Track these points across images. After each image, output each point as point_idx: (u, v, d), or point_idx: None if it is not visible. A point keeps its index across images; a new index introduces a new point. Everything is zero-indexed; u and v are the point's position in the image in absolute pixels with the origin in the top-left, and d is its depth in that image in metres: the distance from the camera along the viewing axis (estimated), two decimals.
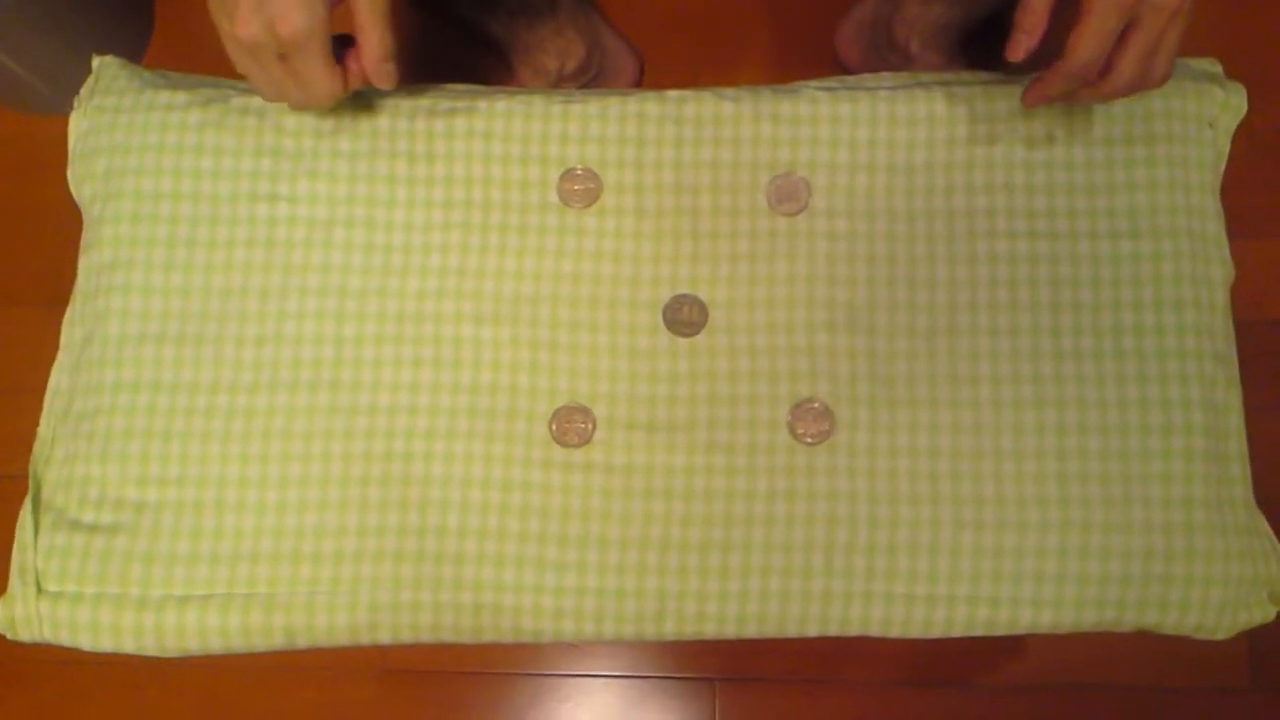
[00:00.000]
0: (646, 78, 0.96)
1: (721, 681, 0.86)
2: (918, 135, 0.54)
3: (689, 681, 0.86)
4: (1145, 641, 0.84)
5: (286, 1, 0.45)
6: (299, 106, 0.50)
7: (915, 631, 0.50)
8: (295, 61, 0.47)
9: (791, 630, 0.50)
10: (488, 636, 0.51)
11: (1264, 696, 0.84)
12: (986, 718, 0.85)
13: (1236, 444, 0.52)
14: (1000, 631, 0.50)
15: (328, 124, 0.54)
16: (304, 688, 0.87)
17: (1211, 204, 0.54)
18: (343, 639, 0.50)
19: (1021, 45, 0.47)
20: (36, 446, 0.53)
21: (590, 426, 0.51)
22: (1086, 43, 0.45)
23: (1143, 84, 0.47)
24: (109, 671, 0.87)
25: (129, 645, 0.50)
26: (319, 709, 0.87)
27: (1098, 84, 0.47)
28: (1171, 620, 0.50)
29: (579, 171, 0.54)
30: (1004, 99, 0.54)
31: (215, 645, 0.50)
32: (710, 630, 0.50)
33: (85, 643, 0.50)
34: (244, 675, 0.87)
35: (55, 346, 0.55)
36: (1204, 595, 0.50)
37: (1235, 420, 0.52)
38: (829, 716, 0.85)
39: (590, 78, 0.90)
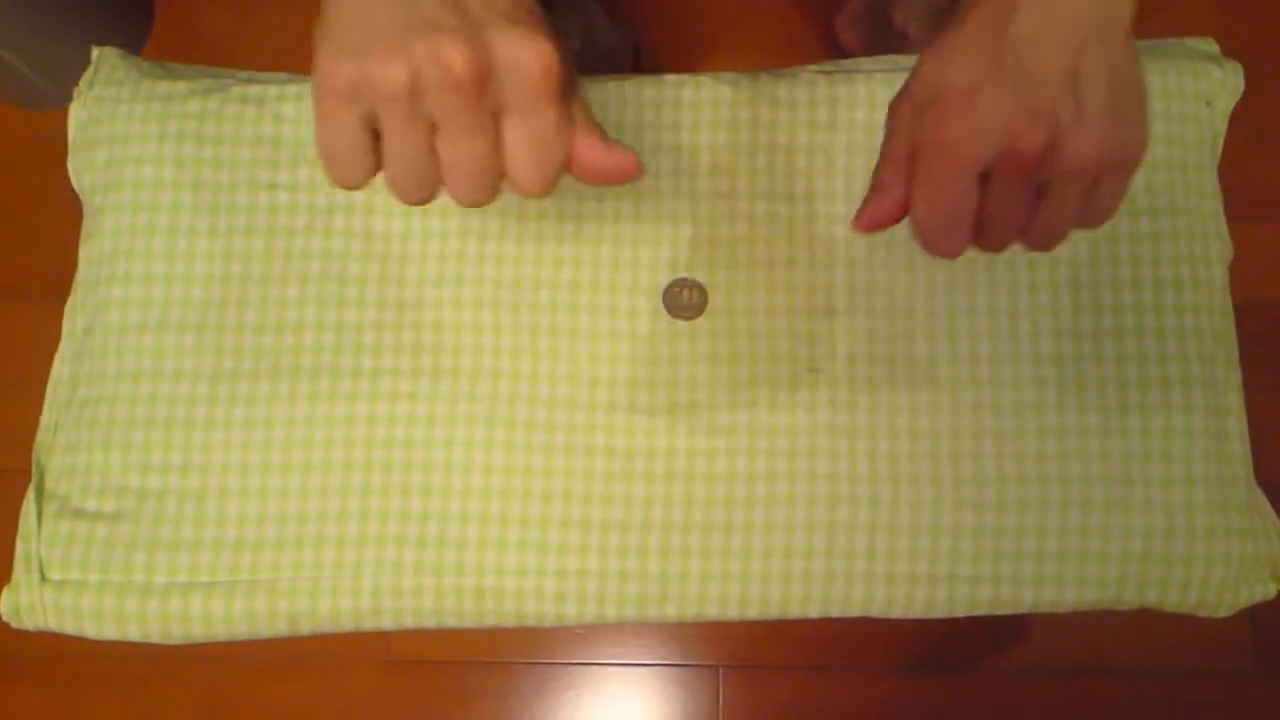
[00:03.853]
0: (644, 64, 0.96)
1: (726, 668, 0.86)
2: None
3: (693, 669, 0.86)
4: (1149, 624, 0.84)
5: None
6: (472, 197, 0.33)
7: (917, 611, 0.50)
8: (517, 115, 0.32)
9: (793, 611, 0.50)
10: (490, 620, 0.51)
11: (1268, 680, 0.84)
12: (991, 702, 0.85)
13: (1236, 422, 0.52)
14: (1002, 611, 0.50)
15: None
16: (309, 678, 0.87)
17: (1209, 183, 0.54)
18: (346, 624, 0.51)
19: (865, 213, 0.37)
20: (39, 435, 0.54)
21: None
22: (921, 206, 0.34)
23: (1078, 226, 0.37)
24: (114, 664, 0.88)
25: (133, 633, 0.50)
26: (324, 699, 0.87)
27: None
28: (1172, 598, 0.50)
29: None
30: None
31: (219, 632, 0.50)
32: (712, 612, 0.50)
33: (90, 630, 0.50)
34: (249, 667, 0.87)
35: (57, 340, 0.55)
36: (1205, 573, 0.50)
37: (1235, 398, 0.52)
38: (833, 702, 0.85)
39: (587, 65, 0.90)
